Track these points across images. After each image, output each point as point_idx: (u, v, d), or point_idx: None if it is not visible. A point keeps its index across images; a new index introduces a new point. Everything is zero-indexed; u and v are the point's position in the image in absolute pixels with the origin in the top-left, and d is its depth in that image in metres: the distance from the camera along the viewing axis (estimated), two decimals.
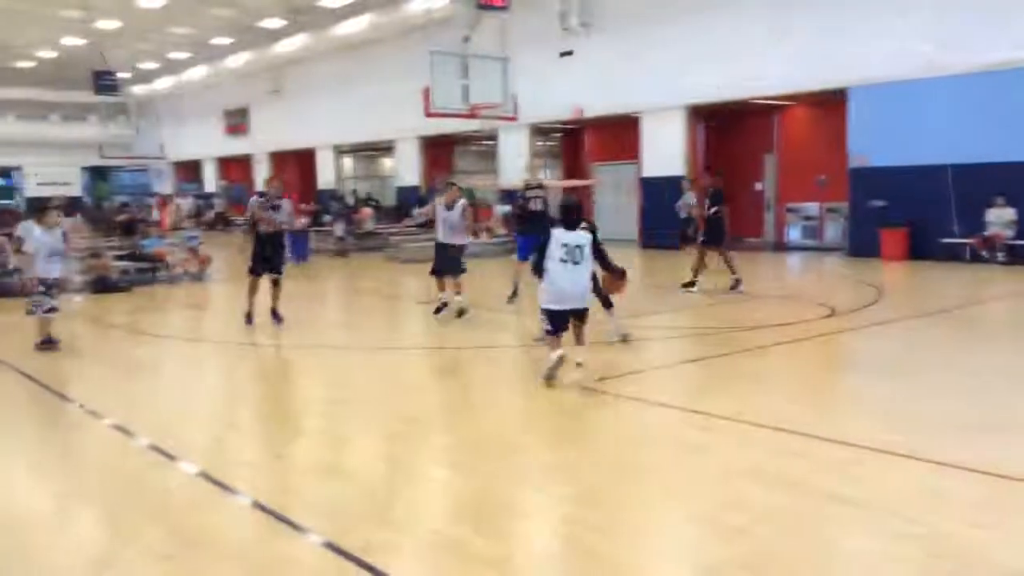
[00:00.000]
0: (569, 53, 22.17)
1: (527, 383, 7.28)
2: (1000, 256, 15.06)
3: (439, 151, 29.89)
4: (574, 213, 7.11)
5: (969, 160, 15.28)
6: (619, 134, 23.39)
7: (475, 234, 16.30)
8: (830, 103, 18.45)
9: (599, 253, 7.22)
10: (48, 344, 9.04)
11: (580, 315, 7.11)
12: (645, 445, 5.53)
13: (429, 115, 16.82)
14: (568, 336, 7.00)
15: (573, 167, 26.76)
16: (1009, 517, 4.14)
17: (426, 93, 16.51)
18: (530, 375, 7.49)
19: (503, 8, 18.02)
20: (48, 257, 8.92)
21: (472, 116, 18.04)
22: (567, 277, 6.93)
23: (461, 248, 10.79)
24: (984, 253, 15.32)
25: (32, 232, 8.86)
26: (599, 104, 21.86)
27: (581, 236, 7.02)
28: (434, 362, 8.66)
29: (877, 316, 10.18)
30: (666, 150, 20.81)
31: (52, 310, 9.06)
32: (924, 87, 15.86)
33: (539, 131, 25.36)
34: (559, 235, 6.99)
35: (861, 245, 17.28)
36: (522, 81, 18.23)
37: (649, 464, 5.13)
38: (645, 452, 5.37)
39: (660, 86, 20.21)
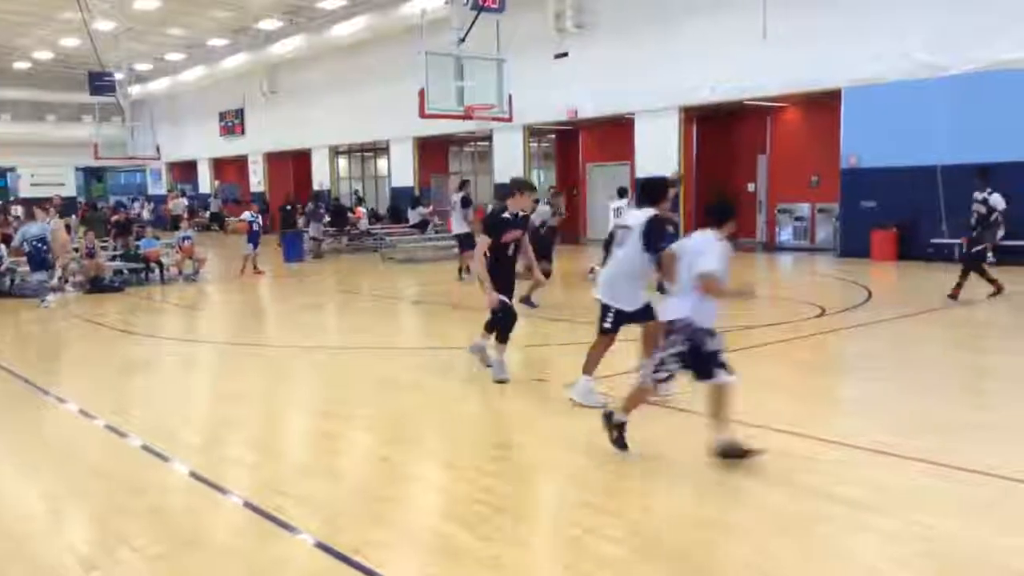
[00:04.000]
0: (564, 55, 22.23)
1: (527, 384, 7.35)
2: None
3: (434, 152, 29.95)
4: (648, 191, 6.24)
5: (959, 161, 15.36)
6: (613, 135, 23.47)
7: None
8: (822, 104, 18.54)
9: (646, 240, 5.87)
10: (736, 452, 4.91)
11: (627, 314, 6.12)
12: (643, 443, 5.56)
13: (424, 116, 16.88)
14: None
15: (568, 168, 26.83)
16: (1002, 516, 4.21)
17: (421, 94, 16.56)
18: (522, 377, 7.54)
19: (498, 9, 18.07)
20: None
21: (467, 117, 18.11)
22: (609, 262, 6.37)
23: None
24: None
25: (717, 247, 4.96)
26: (593, 105, 21.93)
27: (633, 217, 6.16)
28: (430, 362, 8.72)
29: (867, 316, 10.25)
30: (660, 151, 20.86)
31: (671, 378, 5.15)
32: (915, 88, 15.95)
33: (534, 132, 25.44)
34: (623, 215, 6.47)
35: (852, 246, 17.37)
36: (517, 82, 18.28)
37: (643, 464, 5.18)
38: (643, 451, 5.40)
39: (654, 87, 20.28)
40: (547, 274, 11.70)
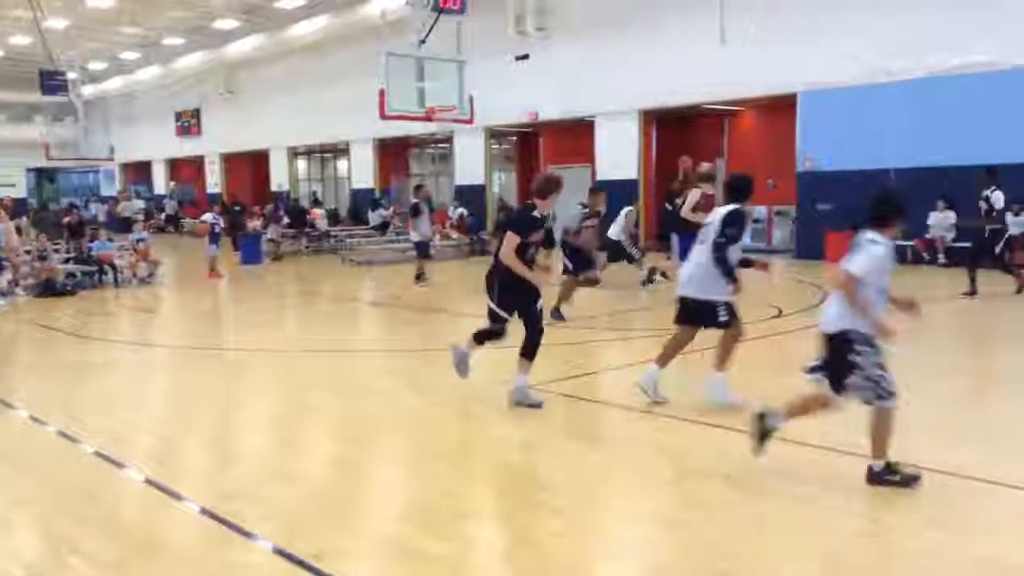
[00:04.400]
0: (525, 57, 22.27)
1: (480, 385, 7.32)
2: (941, 258, 15.50)
3: (394, 153, 29.81)
4: (734, 187, 6.25)
5: (912, 164, 15.69)
6: (574, 137, 23.56)
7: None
8: (779, 108, 18.80)
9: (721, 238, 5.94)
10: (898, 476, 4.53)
11: (684, 308, 6.25)
12: (601, 445, 5.59)
13: (384, 117, 16.78)
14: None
15: (528, 170, 26.88)
16: (961, 514, 4.27)
17: (381, 95, 16.47)
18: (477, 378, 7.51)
19: (459, 11, 18.04)
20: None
21: (428, 119, 18.05)
22: (691, 259, 6.36)
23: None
24: (925, 255, 15.74)
25: (870, 249, 4.62)
26: (554, 108, 22.00)
27: (717, 213, 6.16)
28: (390, 365, 8.66)
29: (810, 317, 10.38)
30: (620, 154, 21.02)
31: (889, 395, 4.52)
32: (870, 93, 16.25)
33: (495, 134, 25.45)
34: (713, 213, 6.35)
35: (808, 247, 17.63)
36: (478, 84, 18.26)
37: (606, 464, 5.20)
38: (602, 453, 5.43)
39: (614, 90, 20.40)
40: (594, 282, 10.88)
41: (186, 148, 37.65)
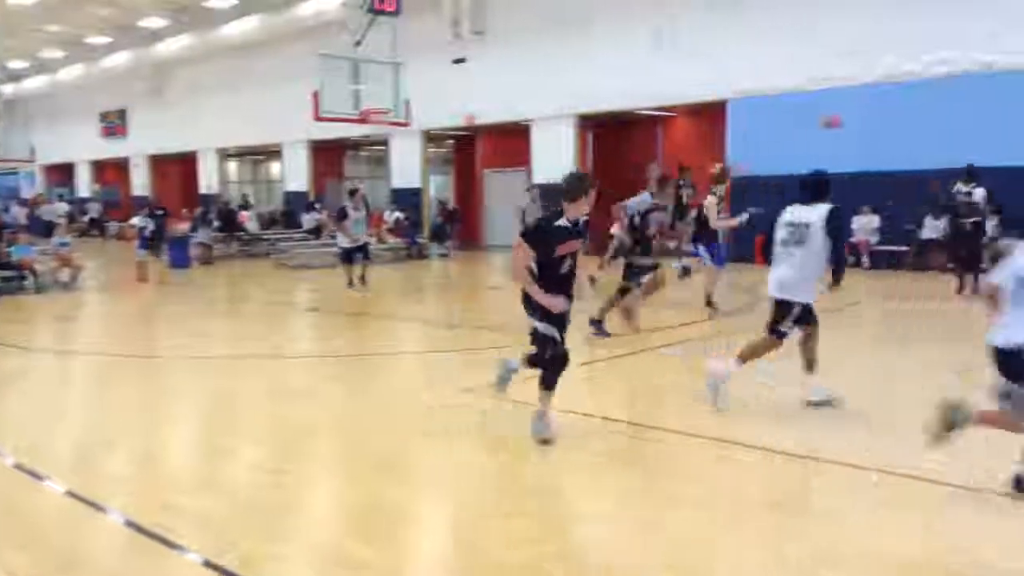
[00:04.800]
0: (461, 60, 22.25)
1: (415, 391, 7.25)
2: (865, 261, 15.98)
3: (329, 156, 29.44)
4: (811, 186, 6.16)
5: (837, 169, 16.03)
6: (511, 141, 23.61)
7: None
8: (711, 114, 19.15)
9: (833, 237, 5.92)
10: None
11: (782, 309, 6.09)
12: (543, 451, 5.54)
13: (318, 119, 16.57)
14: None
15: (465, 174, 26.84)
16: (915, 514, 4.31)
17: (315, 97, 16.26)
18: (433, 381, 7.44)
19: (394, 13, 17.92)
20: None
21: (363, 121, 17.87)
22: (780, 264, 6.18)
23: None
24: (850, 258, 16.21)
25: None
26: (491, 112, 22.03)
27: (808, 213, 6.02)
28: (324, 371, 8.52)
29: (755, 319, 10.57)
30: (556, 158, 21.11)
31: None
32: (796, 100, 16.68)
33: (432, 137, 25.36)
34: (787, 212, 6.23)
35: (739, 251, 17.96)
36: (415, 87, 18.17)
37: (550, 466, 5.17)
38: (542, 459, 5.38)
39: (550, 95, 20.53)
40: (653, 288, 9.40)
41: (111, 149, 36.58)
